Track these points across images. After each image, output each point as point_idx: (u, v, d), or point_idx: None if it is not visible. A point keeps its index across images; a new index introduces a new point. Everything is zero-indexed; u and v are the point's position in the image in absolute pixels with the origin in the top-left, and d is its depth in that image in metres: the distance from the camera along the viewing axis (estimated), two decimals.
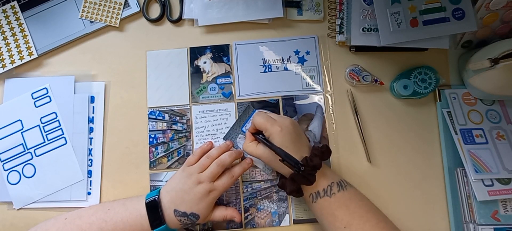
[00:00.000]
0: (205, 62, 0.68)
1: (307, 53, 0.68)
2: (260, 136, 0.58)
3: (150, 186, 0.65)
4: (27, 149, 0.65)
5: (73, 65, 0.68)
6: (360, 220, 0.52)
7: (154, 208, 0.55)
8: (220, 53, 0.68)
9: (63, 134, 0.65)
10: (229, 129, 0.66)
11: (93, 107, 0.67)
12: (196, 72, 0.68)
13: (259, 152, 0.57)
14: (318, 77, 0.67)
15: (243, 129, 0.65)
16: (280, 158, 0.53)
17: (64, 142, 0.65)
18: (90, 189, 0.64)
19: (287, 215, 0.63)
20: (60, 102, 0.66)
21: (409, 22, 0.60)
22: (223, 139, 0.65)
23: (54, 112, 0.66)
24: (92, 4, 0.69)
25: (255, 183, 0.64)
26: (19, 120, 0.65)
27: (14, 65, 0.67)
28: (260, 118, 0.57)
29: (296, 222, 0.63)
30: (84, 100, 0.66)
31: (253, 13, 0.67)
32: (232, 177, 0.58)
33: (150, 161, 0.65)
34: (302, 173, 0.53)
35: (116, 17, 0.69)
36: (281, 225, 0.63)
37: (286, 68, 0.67)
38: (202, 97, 0.67)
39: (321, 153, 0.55)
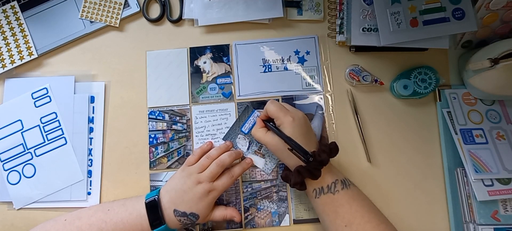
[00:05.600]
0: (205, 62, 0.68)
1: (307, 53, 0.68)
2: (271, 124, 0.58)
3: (150, 186, 0.65)
4: (27, 149, 0.65)
5: (73, 65, 0.68)
6: (361, 219, 0.52)
7: (153, 208, 0.55)
8: (220, 53, 0.68)
9: (63, 134, 0.65)
10: (228, 129, 0.66)
11: (93, 107, 0.67)
12: (196, 72, 0.68)
13: (267, 139, 0.57)
14: (318, 77, 0.67)
15: (242, 128, 0.65)
16: (289, 147, 0.54)
17: (64, 142, 0.65)
18: (90, 189, 0.64)
19: (287, 215, 0.63)
20: (60, 102, 0.66)
21: (409, 22, 0.60)
22: (223, 139, 0.65)
23: (54, 112, 0.66)
24: (92, 4, 0.69)
25: (255, 183, 0.64)
26: (19, 120, 0.65)
27: (14, 65, 0.67)
28: (273, 106, 0.57)
29: (296, 222, 0.63)
30: (84, 100, 0.66)
31: (253, 13, 0.67)
32: (232, 177, 0.58)
33: (150, 161, 0.65)
34: (308, 166, 0.53)
35: (116, 17, 0.69)
36: (281, 225, 0.63)
37: (286, 68, 0.67)
38: (202, 97, 0.67)
39: (329, 149, 0.55)
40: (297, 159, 0.54)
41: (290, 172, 0.56)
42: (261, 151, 0.65)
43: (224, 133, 0.66)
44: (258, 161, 0.64)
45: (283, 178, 0.58)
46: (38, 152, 0.65)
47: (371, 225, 0.52)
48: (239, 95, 0.67)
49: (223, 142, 0.65)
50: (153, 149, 0.66)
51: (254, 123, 0.65)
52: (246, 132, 0.65)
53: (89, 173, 0.65)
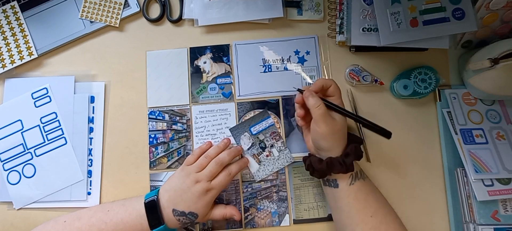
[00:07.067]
0: (205, 62, 0.68)
1: (307, 53, 0.68)
2: (332, 104, 0.56)
3: (150, 186, 0.65)
4: (27, 149, 0.65)
5: (73, 65, 0.68)
6: (383, 209, 0.54)
7: (153, 208, 0.55)
8: (220, 53, 0.68)
9: (63, 134, 0.65)
10: (237, 125, 0.65)
11: (93, 107, 0.67)
12: (196, 72, 0.68)
13: (335, 116, 0.54)
14: (318, 77, 0.67)
15: (251, 128, 0.65)
16: (368, 124, 0.56)
17: (64, 142, 0.65)
18: (90, 189, 0.64)
19: (287, 215, 0.63)
20: (60, 103, 0.66)
21: (409, 22, 0.60)
22: (230, 130, 0.65)
23: (54, 112, 0.66)
24: (92, 4, 0.69)
25: (255, 183, 0.64)
26: (19, 120, 0.65)
27: (14, 65, 0.67)
28: (333, 83, 0.57)
29: (296, 222, 0.63)
30: (84, 100, 0.66)
31: (253, 13, 0.67)
32: (229, 175, 0.58)
33: (150, 161, 0.65)
34: (345, 161, 0.53)
35: (116, 17, 0.69)
36: (281, 225, 0.63)
37: (286, 68, 0.67)
38: (202, 97, 0.67)
39: (359, 141, 0.57)
40: (341, 148, 0.54)
41: (317, 160, 0.55)
42: (259, 157, 0.64)
43: (224, 133, 0.66)
44: (253, 165, 0.64)
45: (322, 168, 0.54)
46: (38, 152, 0.65)
47: (391, 217, 0.53)
48: (239, 95, 0.67)
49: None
50: (153, 149, 0.66)
51: (265, 127, 0.65)
52: (254, 132, 0.65)
53: (89, 173, 0.65)
